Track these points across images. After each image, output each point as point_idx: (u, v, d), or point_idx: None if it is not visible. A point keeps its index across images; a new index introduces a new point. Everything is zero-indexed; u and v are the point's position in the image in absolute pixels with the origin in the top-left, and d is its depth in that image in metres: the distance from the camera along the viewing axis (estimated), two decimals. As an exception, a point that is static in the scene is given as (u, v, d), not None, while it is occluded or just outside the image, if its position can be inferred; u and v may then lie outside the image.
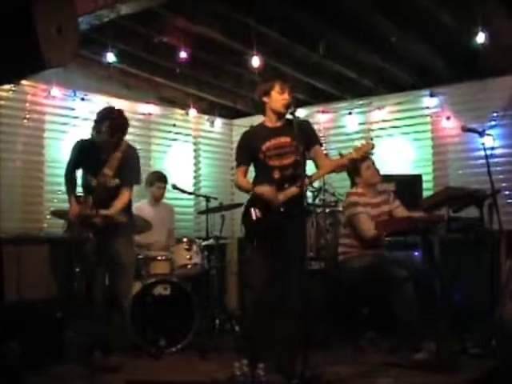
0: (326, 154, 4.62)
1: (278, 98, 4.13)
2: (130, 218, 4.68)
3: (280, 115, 4.19)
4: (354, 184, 5.12)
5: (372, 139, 6.87)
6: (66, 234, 4.60)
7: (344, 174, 5.13)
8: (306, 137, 4.13)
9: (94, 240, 4.41)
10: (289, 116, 4.11)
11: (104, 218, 4.35)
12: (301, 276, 3.90)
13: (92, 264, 4.52)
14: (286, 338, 4.08)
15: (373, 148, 4.27)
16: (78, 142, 4.68)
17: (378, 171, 5.11)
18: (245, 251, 4.44)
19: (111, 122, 4.41)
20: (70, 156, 4.67)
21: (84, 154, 4.57)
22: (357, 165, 4.99)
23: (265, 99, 4.20)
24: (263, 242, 4.06)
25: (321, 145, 4.33)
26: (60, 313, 4.68)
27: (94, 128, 4.49)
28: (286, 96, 4.13)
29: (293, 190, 3.95)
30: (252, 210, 4.06)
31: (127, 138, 4.72)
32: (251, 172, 4.26)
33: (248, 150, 4.21)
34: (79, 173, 4.68)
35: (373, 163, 5.10)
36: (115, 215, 4.42)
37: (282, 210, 3.98)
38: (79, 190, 4.68)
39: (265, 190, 4.01)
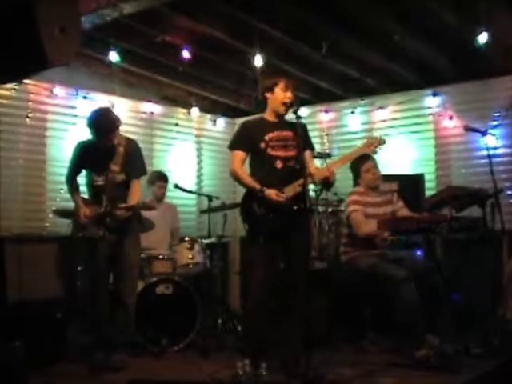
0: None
1: (280, 95, 4.11)
2: (138, 215, 4.71)
3: (279, 115, 4.18)
4: (356, 183, 5.11)
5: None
6: (76, 234, 4.58)
7: (346, 174, 5.13)
8: (303, 138, 4.12)
9: (108, 239, 4.42)
10: (292, 115, 4.09)
11: (127, 210, 4.41)
12: (305, 274, 3.89)
13: (104, 264, 4.52)
14: (289, 337, 4.08)
15: (384, 143, 4.25)
16: (78, 143, 4.69)
17: (379, 173, 5.09)
18: (247, 249, 4.40)
19: (116, 130, 4.48)
20: (71, 158, 4.68)
21: (86, 155, 4.58)
22: (357, 166, 4.98)
23: (267, 95, 4.18)
24: (269, 239, 4.02)
25: (312, 150, 4.35)
26: (62, 312, 4.68)
27: (99, 135, 4.48)
28: (288, 94, 4.11)
29: (300, 183, 3.88)
30: (255, 206, 4.03)
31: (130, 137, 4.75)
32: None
33: (247, 139, 4.18)
34: (82, 174, 4.69)
35: (374, 165, 5.06)
36: (136, 205, 4.50)
37: (294, 208, 3.96)
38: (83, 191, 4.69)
39: (272, 193, 3.96)
